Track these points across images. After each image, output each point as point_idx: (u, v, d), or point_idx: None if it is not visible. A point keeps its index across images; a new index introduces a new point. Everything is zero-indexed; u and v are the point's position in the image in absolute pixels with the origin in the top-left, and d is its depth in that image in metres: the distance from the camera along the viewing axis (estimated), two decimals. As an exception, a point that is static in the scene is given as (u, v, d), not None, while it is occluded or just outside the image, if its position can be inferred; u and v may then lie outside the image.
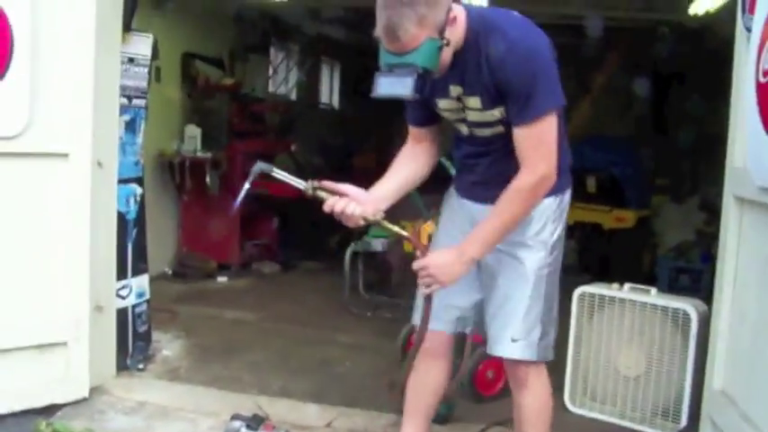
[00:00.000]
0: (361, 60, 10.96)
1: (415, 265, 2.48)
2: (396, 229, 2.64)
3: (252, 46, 8.17)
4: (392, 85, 2.33)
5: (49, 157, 3.38)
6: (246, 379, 4.09)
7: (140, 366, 4.06)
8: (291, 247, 7.38)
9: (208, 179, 6.47)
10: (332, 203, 2.56)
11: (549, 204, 2.59)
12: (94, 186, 3.53)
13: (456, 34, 2.39)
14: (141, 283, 4.13)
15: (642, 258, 7.52)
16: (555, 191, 2.57)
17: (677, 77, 9.17)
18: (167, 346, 4.53)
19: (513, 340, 2.57)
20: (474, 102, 2.50)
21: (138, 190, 4.05)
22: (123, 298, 3.98)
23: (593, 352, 3.79)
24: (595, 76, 8.19)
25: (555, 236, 2.62)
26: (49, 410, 3.46)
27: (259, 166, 2.64)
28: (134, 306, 4.07)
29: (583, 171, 7.82)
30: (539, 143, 2.39)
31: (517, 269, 2.57)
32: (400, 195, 2.74)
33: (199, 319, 5.19)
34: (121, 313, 3.96)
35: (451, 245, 2.58)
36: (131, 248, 4.02)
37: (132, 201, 3.99)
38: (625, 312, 3.69)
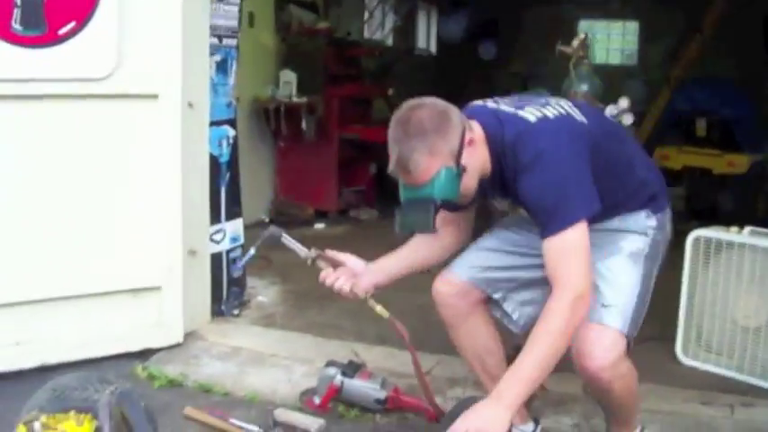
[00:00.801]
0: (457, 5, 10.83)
1: None
2: (379, 309, 2.66)
3: (347, -11, 8.02)
4: (411, 221, 2.23)
5: (138, 98, 3.31)
6: (342, 325, 4.00)
7: (235, 312, 4.01)
8: (389, 193, 7.25)
9: (303, 124, 6.38)
10: (324, 276, 2.61)
11: (647, 220, 2.44)
12: (185, 128, 3.45)
13: (477, 156, 2.24)
14: (235, 227, 4.05)
15: (756, 205, 7.12)
16: (651, 208, 2.44)
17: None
18: (262, 291, 4.48)
19: (605, 306, 2.29)
20: (523, 210, 2.39)
21: (231, 132, 3.95)
22: (217, 243, 3.91)
23: (709, 300, 3.53)
24: (706, 14, 7.73)
25: (654, 232, 2.44)
26: (145, 354, 3.45)
27: (270, 231, 2.77)
28: (228, 251, 4.00)
29: (692, 113, 7.46)
30: (569, 255, 2.16)
31: (612, 242, 2.39)
32: (401, 277, 2.69)
33: (294, 266, 5.08)
34: (216, 258, 3.90)
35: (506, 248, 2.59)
36: (225, 192, 3.94)
37: (225, 143, 3.90)
38: (744, 258, 3.41)
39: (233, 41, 3.90)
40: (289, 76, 6.53)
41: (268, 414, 2.90)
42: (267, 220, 6.65)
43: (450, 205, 2.26)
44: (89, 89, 3.20)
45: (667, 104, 7.79)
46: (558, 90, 4.51)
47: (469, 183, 2.24)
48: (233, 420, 2.82)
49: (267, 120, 6.50)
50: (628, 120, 4.18)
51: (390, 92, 7.54)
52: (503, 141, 2.24)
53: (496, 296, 2.62)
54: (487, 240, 2.66)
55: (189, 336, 3.61)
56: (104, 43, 3.18)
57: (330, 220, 6.74)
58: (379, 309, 2.66)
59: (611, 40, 11.16)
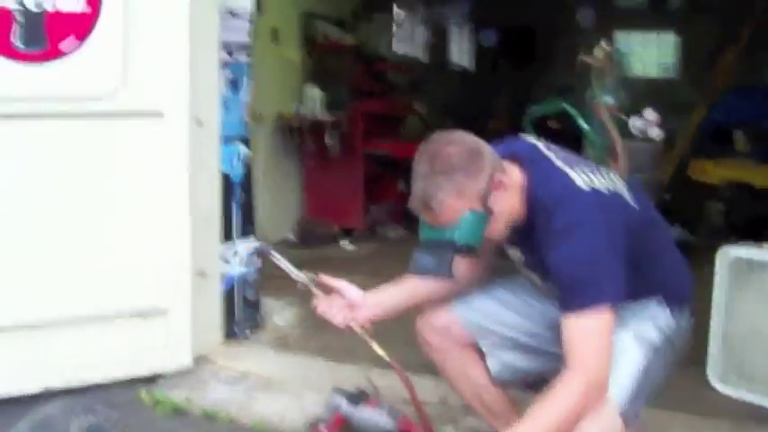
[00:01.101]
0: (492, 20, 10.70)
1: None
2: (380, 351, 2.46)
3: (375, 5, 7.92)
4: (428, 264, 2.07)
5: (143, 116, 3.22)
6: (359, 350, 3.82)
7: (248, 334, 3.90)
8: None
9: (327, 141, 6.28)
10: (316, 304, 2.43)
11: (663, 316, 2.23)
12: (194, 146, 3.35)
13: (507, 202, 2.07)
14: (249, 247, 3.94)
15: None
16: (671, 309, 2.24)
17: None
18: (279, 313, 4.34)
19: None
20: (535, 277, 2.25)
21: (244, 150, 3.83)
22: (230, 263, 3.81)
23: (742, 322, 3.34)
24: (744, 23, 7.51)
25: (669, 331, 2.23)
26: (152, 379, 3.35)
27: (257, 247, 2.71)
28: (242, 272, 3.89)
29: (730, 125, 7.23)
30: (591, 337, 1.97)
31: (621, 321, 2.12)
32: (401, 310, 2.50)
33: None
34: (228, 279, 3.80)
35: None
36: (238, 211, 3.83)
37: (238, 161, 3.80)
38: (780, 279, 3.23)
39: (245, 57, 3.80)
40: (314, 92, 6.45)
41: (271, 444, 2.79)
42: (293, 238, 6.56)
43: (471, 250, 2.07)
44: (92, 107, 3.12)
45: (705, 116, 7.57)
46: (583, 101, 4.36)
47: (496, 229, 2.08)
48: (234, 450, 2.70)
49: (292, 136, 6.41)
50: (654, 133, 4.01)
51: (418, 108, 7.42)
52: (543, 197, 2.08)
53: (483, 347, 2.45)
54: (499, 291, 2.48)
55: (198, 359, 3.50)
56: (107, 60, 3.10)
57: (356, 239, 6.63)
58: (377, 349, 2.48)
59: (648, 53, 10.93)
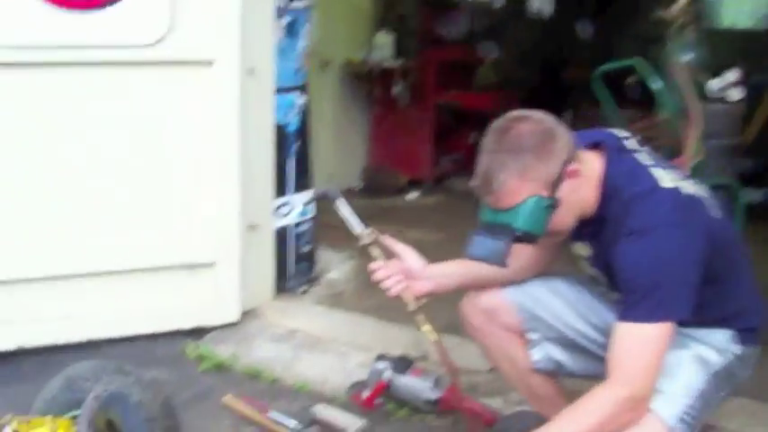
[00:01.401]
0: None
1: None
2: (427, 329, 2.31)
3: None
4: (482, 248, 1.89)
5: (191, 64, 3.13)
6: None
7: (302, 289, 3.81)
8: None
9: (396, 89, 6.11)
10: (374, 268, 2.28)
11: (730, 344, 2.02)
12: (245, 96, 3.25)
13: (579, 193, 1.89)
14: (304, 199, 3.84)
15: None
16: (741, 337, 2.03)
17: None
18: (337, 266, 4.23)
19: (656, 390, 1.87)
20: (599, 277, 2.04)
21: (300, 99, 3.70)
22: (284, 216, 3.72)
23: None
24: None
25: (734, 359, 2.03)
26: (199, 333, 3.32)
27: (326, 190, 2.62)
28: (296, 225, 3.79)
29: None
30: (642, 351, 1.80)
31: (682, 341, 1.96)
32: (460, 288, 2.33)
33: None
34: (282, 232, 3.71)
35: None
36: (292, 164, 3.72)
37: (293, 111, 3.67)
38: None
39: (304, 2, 3.66)
40: (383, 39, 6.25)
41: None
42: (359, 187, 6.45)
43: (530, 240, 1.90)
44: (139, 56, 3.04)
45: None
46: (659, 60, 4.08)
47: (562, 220, 1.90)
48: (271, 414, 2.63)
49: (360, 84, 6.26)
50: (736, 95, 3.71)
51: (492, 57, 7.16)
52: (621, 192, 1.90)
53: (530, 336, 2.29)
54: (558, 283, 2.28)
55: (247, 314, 3.45)
56: (155, 6, 3.01)
57: (424, 190, 6.47)
58: (426, 328, 2.33)
59: (740, 2, 10.34)
